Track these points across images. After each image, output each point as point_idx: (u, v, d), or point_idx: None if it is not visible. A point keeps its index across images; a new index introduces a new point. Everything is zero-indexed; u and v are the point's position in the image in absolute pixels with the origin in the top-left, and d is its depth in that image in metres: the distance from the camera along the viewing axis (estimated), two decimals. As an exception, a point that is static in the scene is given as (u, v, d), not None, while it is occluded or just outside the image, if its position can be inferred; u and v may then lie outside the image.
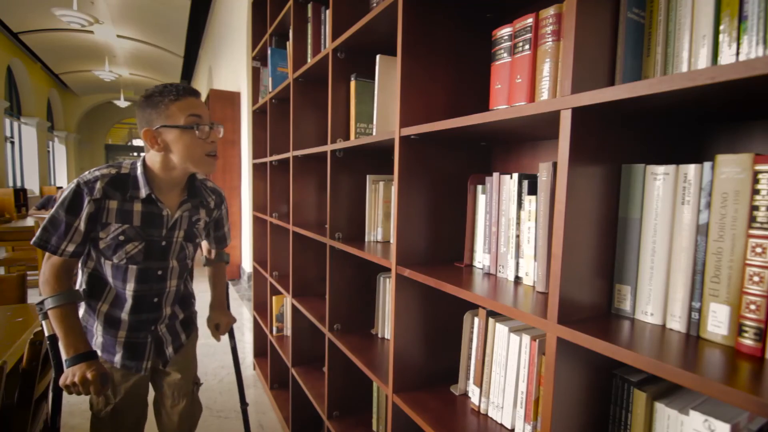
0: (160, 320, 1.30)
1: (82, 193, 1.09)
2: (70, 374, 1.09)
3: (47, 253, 1.12)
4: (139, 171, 1.17)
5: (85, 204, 1.10)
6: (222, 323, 1.55)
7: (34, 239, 1.11)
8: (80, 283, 1.24)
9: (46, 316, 1.16)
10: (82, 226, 1.11)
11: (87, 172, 1.15)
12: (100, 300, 1.22)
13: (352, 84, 1.44)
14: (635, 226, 0.69)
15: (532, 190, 0.89)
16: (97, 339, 1.24)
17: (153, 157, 1.17)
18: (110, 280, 1.20)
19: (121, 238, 1.16)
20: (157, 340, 1.32)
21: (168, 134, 1.13)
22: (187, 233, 1.29)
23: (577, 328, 0.64)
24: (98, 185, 1.11)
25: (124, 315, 1.23)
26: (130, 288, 1.21)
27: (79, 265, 1.23)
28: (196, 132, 1.14)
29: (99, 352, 1.22)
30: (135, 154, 16.50)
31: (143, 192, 1.16)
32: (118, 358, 1.25)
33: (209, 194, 1.37)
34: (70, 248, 1.12)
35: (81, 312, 1.24)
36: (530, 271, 0.89)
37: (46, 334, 1.17)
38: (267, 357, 2.54)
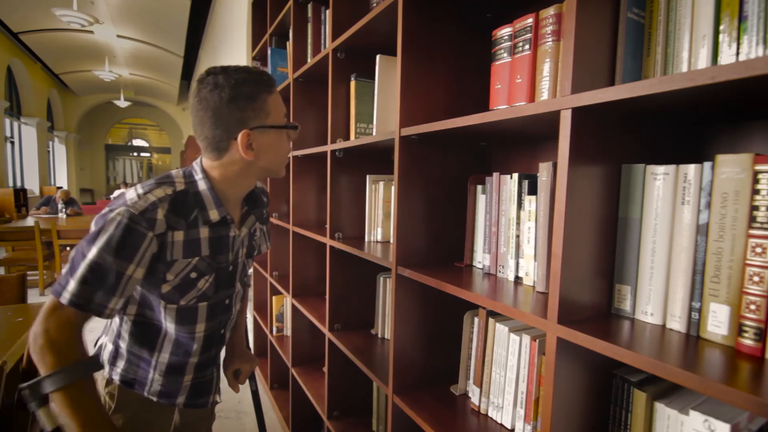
0: (221, 351, 1.10)
1: (137, 229, 0.79)
2: None
3: (51, 305, 0.79)
4: (204, 185, 0.90)
5: (145, 243, 0.81)
6: (243, 370, 1.21)
7: (66, 296, 0.77)
8: (117, 333, 0.95)
9: (44, 403, 0.79)
10: (139, 273, 0.82)
11: (132, 194, 0.83)
12: (155, 350, 0.94)
13: (352, 84, 1.44)
14: (635, 226, 0.69)
15: (532, 190, 0.89)
16: (153, 388, 0.97)
17: (229, 166, 0.90)
18: (169, 325, 0.92)
19: (193, 275, 0.90)
20: (218, 372, 1.11)
21: (263, 136, 0.89)
22: (248, 249, 1.07)
23: (577, 328, 0.64)
24: (159, 215, 0.82)
25: (193, 359, 0.99)
26: (200, 329, 0.96)
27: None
28: (291, 134, 0.95)
29: (155, 399, 0.97)
30: (135, 154, 16.47)
31: (216, 214, 0.91)
32: (181, 400, 1.01)
33: (263, 195, 1.12)
34: (120, 305, 0.83)
35: (123, 363, 0.95)
36: (530, 271, 0.89)
37: (49, 429, 0.80)
38: (267, 357, 2.54)
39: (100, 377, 0.96)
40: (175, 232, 0.85)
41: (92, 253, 0.78)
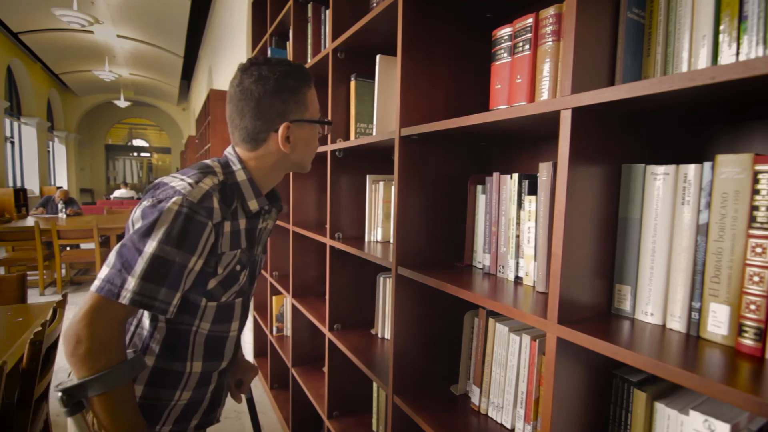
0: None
1: (197, 219, 0.76)
2: None
3: (94, 305, 0.71)
4: (244, 176, 0.88)
5: (206, 233, 0.78)
6: (246, 379, 1.17)
7: (127, 295, 0.71)
8: (143, 349, 0.86)
9: (80, 407, 0.75)
10: (199, 266, 0.79)
11: (181, 183, 0.78)
12: (186, 359, 0.88)
13: (352, 84, 1.44)
14: (635, 226, 0.69)
15: (532, 190, 0.89)
16: (173, 413, 0.90)
17: (264, 158, 0.89)
18: (203, 326, 0.88)
19: (237, 268, 0.88)
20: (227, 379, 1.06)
21: (300, 130, 0.89)
22: (264, 246, 1.04)
23: (577, 328, 0.64)
24: (215, 203, 0.79)
25: (224, 363, 0.96)
26: (234, 327, 0.94)
27: (142, 317, 0.87)
28: (324, 129, 0.96)
29: (169, 428, 0.91)
30: (135, 154, 16.48)
31: (255, 204, 0.89)
32: (194, 423, 0.95)
33: (278, 197, 1.09)
34: (178, 301, 0.78)
35: (142, 388, 0.87)
36: (530, 271, 0.89)
37: None
38: (267, 357, 2.54)
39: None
40: (225, 223, 0.83)
41: (151, 246, 0.72)
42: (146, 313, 0.85)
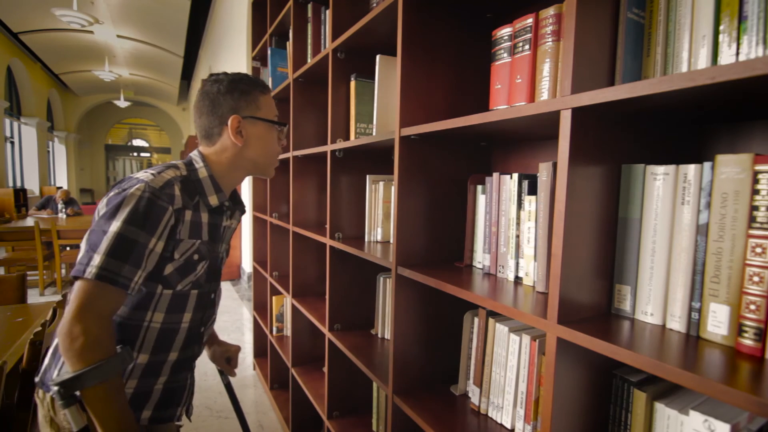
0: (197, 357, 1.08)
1: (159, 203, 0.84)
2: None
3: (81, 295, 0.77)
4: (205, 173, 0.97)
5: (166, 217, 0.85)
6: (232, 356, 1.29)
7: (92, 271, 0.76)
8: None
9: (74, 401, 0.79)
10: (159, 247, 0.86)
11: (145, 174, 0.87)
12: (134, 349, 0.92)
13: (352, 84, 1.44)
14: (635, 226, 0.69)
15: (532, 190, 0.89)
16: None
17: (221, 153, 0.98)
18: (156, 317, 0.92)
19: (195, 257, 0.94)
20: (192, 381, 1.09)
21: (252, 127, 0.98)
22: (227, 246, 1.10)
23: (577, 328, 0.64)
24: (176, 191, 0.88)
25: (172, 355, 0.98)
26: (186, 319, 0.97)
27: None
28: (281, 131, 1.04)
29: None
30: (135, 154, 16.48)
31: (216, 199, 0.97)
32: (147, 414, 0.97)
33: (240, 200, 1.15)
34: (142, 280, 0.84)
35: None
36: (530, 271, 0.89)
37: (75, 427, 0.80)
38: (267, 357, 2.54)
39: (44, 403, 0.92)
40: (186, 211, 0.90)
41: (115, 226, 0.80)
42: None
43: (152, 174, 0.87)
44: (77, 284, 0.79)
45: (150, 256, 0.84)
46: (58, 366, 0.91)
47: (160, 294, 0.91)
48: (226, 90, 0.97)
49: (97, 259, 0.78)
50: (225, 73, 1.00)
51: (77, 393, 0.78)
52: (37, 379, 0.95)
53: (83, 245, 0.81)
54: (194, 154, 1.00)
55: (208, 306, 1.04)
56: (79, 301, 0.78)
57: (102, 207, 0.84)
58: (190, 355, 1.03)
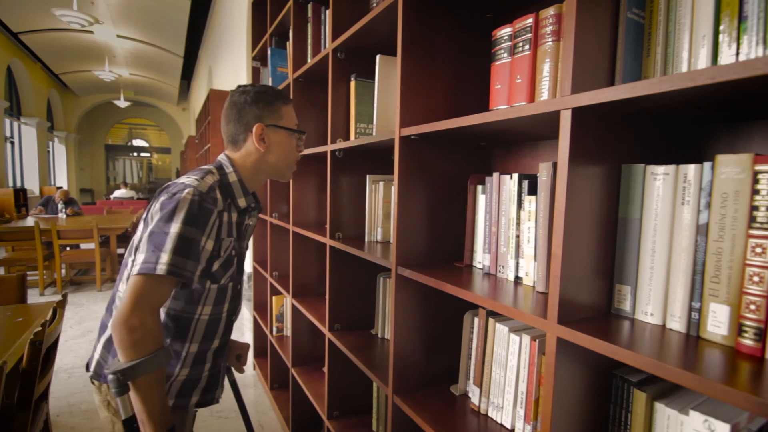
0: (228, 343, 1.20)
1: (206, 206, 0.94)
2: None
3: (140, 290, 0.85)
4: (235, 177, 1.06)
5: (213, 218, 0.96)
6: (243, 353, 1.35)
7: (162, 267, 0.85)
8: None
9: (127, 389, 0.87)
10: (209, 246, 0.96)
11: (189, 180, 0.96)
12: (186, 341, 1.03)
13: (352, 84, 1.44)
14: (635, 226, 0.69)
15: (532, 190, 0.89)
16: (173, 388, 1.04)
17: (246, 158, 1.08)
18: (206, 310, 1.03)
19: (233, 253, 1.05)
20: (225, 363, 1.20)
21: (275, 135, 1.08)
22: (248, 243, 1.19)
23: (577, 328, 0.64)
24: (218, 195, 0.99)
25: (215, 342, 1.09)
26: (225, 309, 1.09)
27: None
28: (300, 139, 1.14)
29: (171, 401, 1.04)
30: (135, 154, 16.47)
31: (244, 201, 1.07)
32: (195, 399, 1.08)
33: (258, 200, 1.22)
34: (200, 273, 0.95)
35: None
36: (530, 271, 0.89)
37: (124, 416, 0.88)
38: (267, 357, 2.54)
39: (102, 390, 1.03)
40: (224, 213, 1.01)
41: (175, 227, 0.89)
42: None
43: (197, 179, 0.97)
44: (137, 280, 0.86)
45: (203, 253, 0.95)
46: (114, 357, 0.99)
47: (209, 288, 1.02)
48: (252, 100, 1.06)
49: (165, 257, 0.86)
50: (252, 85, 1.09)
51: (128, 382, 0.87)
52: (90, 372, 1.04)
53: (146, 244, 0.88)
54: (223, 159, 1.09)
55: (238, 297, 1.14)
56: (138, 294, 0.85)
57: (156, 211, 0.92)
58: (225, 342, 1.14)
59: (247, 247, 1.17)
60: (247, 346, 1.36)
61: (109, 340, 1.00)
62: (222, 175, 1.05)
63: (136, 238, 0.97)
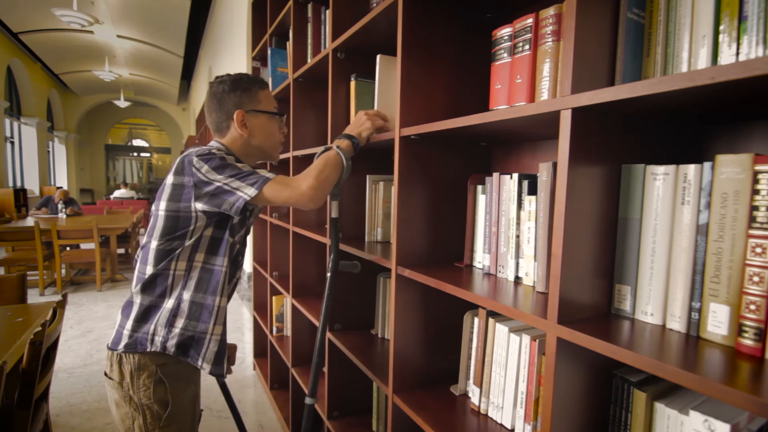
0: None
1: (224, 157, 1.04)
2: (364, 118, 1.17)
3: (278, 190, 0.99)
4: (233, 158, 1.12)
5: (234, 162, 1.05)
6: (230, 353, 1.36)
7: (266, 176, 1.00)
8: (182, 286, 1.07)
9: (338, 196, 1.23)
10: None
11: (202, 149, 1.06)
12: (217, 294, 1.08)
13: (352, 84, 1.44)
14: (635, 226, 0.69)
15: (532, 190, 0.89)
16: (211, 349, 1.08)
17: (232, 144, 1.16)
18: (228, 263, 1.09)
19: (250, 207, 1.14)
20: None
21: (255, 119, 1.15)
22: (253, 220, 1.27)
23: (577, 328, 0.64)
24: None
25: (228, 301, 1.14)
26: (234, 269, 1.16)
27: (180, 262, 1.06)
28: (281, 120, 1.21)
29: (208, 367, 1.09)
30: (135, 154, 16.47)
31: None
32: (225, 366, 1.13)
33: None
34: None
35: (182, 321, 1.06)
36: (530, 271, 0.89)
37: (334, 214, 1.24)
38: (267, 357, 2.54)
39: (130, 359, 1.05)
40: None
41: (222, 173, 1.00)
42: (181, 256, 1.05)
43: (210, 147, 1.07)
44: (269, 189, 0.99)
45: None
46: (154, 323, 1.05)
47: (231, 243, 1.10)
48: (230, 89, 1.13)
49: (253, 177, 1.00)
50: (228, 75, 1.15)
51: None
52: (120, 348, 1.05)
53: (226, 187, 0.99)
54: (214, 144, 1.14)
55: (241, 266, 1.22)
56: (280, 191, 1.00)
57: (194, 171, 1.00)
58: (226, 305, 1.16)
59: (250, 228, 1.26)
60: (234, 346, 1.41)
61: (144, 314, 1.05)
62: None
63: (154, 208, 1.07)
